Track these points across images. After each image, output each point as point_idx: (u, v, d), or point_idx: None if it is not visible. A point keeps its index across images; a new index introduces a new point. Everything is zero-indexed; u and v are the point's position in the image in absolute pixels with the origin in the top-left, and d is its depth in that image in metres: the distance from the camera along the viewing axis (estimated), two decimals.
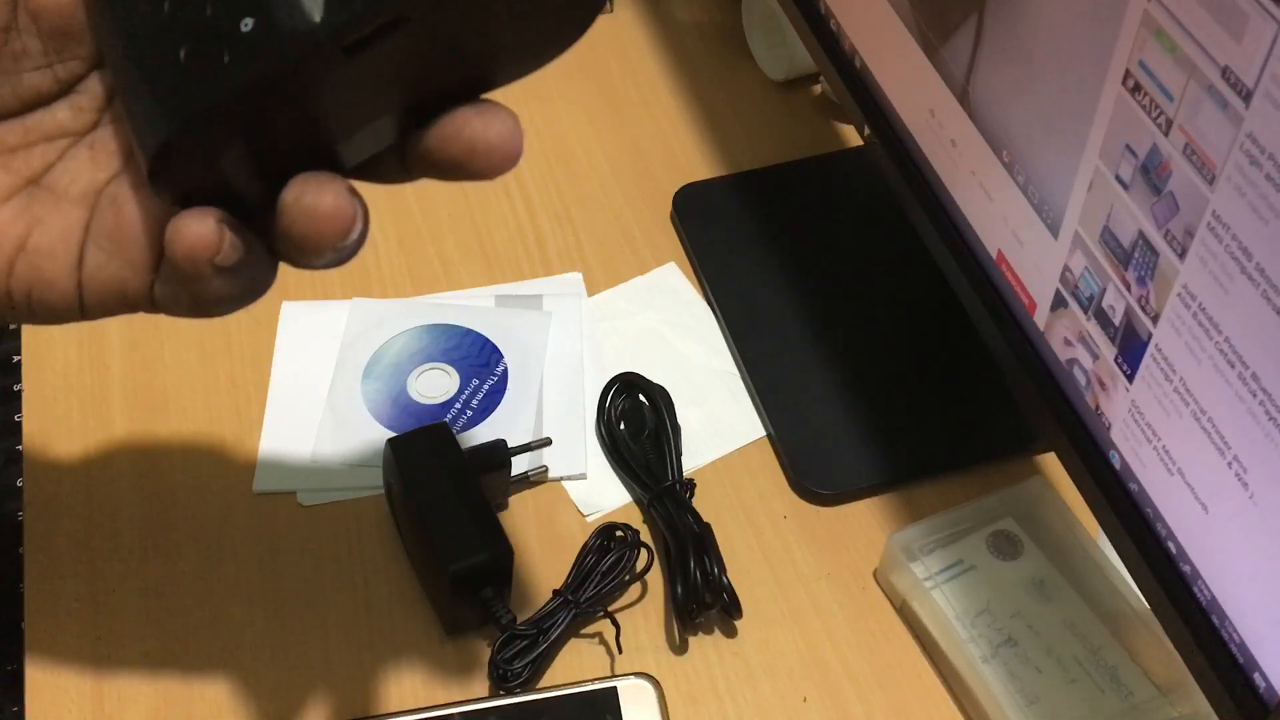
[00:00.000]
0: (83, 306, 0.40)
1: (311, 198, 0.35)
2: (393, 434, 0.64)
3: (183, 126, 0.35)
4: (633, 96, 0.87)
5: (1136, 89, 0.44)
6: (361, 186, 0.38)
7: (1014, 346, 0.57)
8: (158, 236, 0.39)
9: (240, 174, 0.36)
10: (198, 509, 0.66)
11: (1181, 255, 0.44)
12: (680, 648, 0.62)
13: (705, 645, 0.62)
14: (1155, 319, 0.46)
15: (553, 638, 0.60)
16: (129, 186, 0.40)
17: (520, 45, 0.36)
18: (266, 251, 0.38)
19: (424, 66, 0.35)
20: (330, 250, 0.36)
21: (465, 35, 0.35)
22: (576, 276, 0.76)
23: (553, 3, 0.35)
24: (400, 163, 0.39)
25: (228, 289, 0.37)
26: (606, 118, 0.86)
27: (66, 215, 0.40)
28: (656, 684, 0.59)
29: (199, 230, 0.36)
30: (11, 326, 0.73)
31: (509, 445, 0.66)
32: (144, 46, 0.35)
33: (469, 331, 0.73)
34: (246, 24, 0.33)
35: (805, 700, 0.61)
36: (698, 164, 0.83)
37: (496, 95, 0.38)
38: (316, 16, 0.33)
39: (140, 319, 0.73)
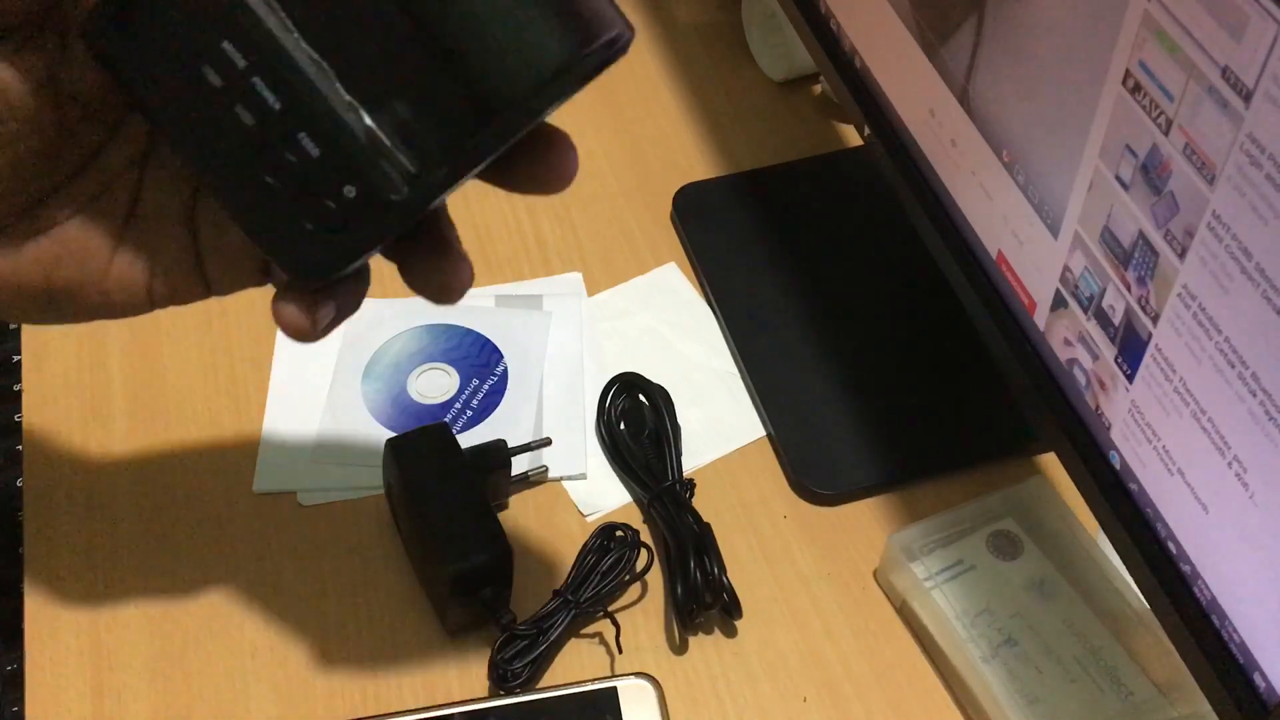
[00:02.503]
0: (210, 289, 0.46)
1: (450, 277, 0.44)
2: (393, 434, 0.64)
3: (323, 280, 0.41)
4: (633, 96, 0.87)
5: (1136, 89, 0.44)
6: None
7: (1014, 346, 0.57)
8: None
9: (364, 268, 0.44)
10: (198, 509, 0.66)
11: (1181, 255, 0.44)
12: (680, 648, 0.62)
13: (705, 645, 0.62)
14: (1155, 319, 0.46)
15: (553, 638, 0.60)
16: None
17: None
18: (361, 285, 0.45)
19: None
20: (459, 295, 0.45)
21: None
22: (576, 276, 0.76)
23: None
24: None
25: (326, 331, 0.44)
26: (606, 118, 0.86)
27: (175, 236, 0.45)
28: (656, 684, 0.59)
29: (290, 317, 0.42)
30: (11, 326, 0.73)
31: (509, 445, 0.66)
32: (251, 201, 0.40)
33: (469, 331, 0.73)
34: (349, 191, 0.38)
35: (805, 700, 0.61)
36: (698, 164, 0.83)
37: None
38: (408, 189, 0.38)
39: (140, 318, 0.72)
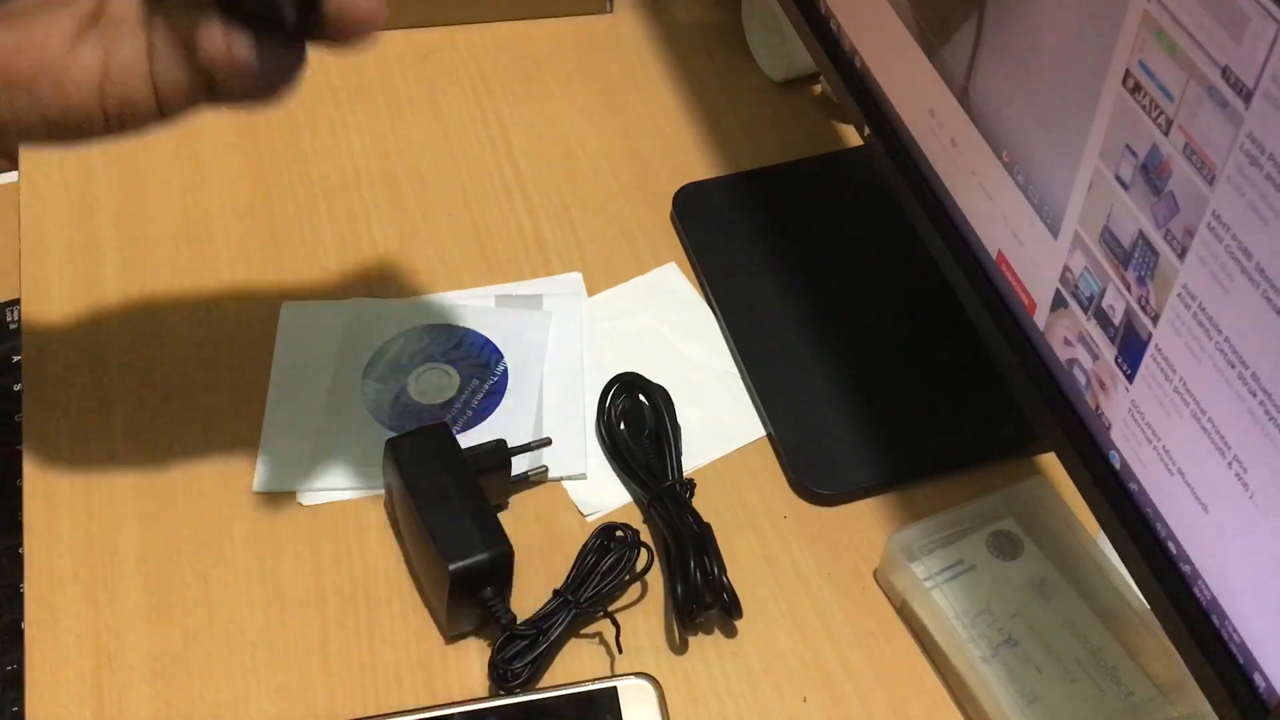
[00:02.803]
0: (161, 109, 0.48)
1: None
2: (393, 434, 0.64)
3: None
4: (633, 96, 0.87)
5: (1136, 89, 0.44)
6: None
7: (1014, 346, 0.57)
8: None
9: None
10: (198, 509, 0.66)
11: (1181, 255, 0.44)
12: (680, 648, 0.62)
13: (705, 645, 0.62)
14: (1155, 319, 0.46)
15: (553, 638, 0.60)
16: (179, 6, 0.47)
17: None
18: (289, 53, 0.48)
19: None
20: (366, 33, 0.47)
21: None
22: (576, 276, 0.76)
23: None
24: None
25: (245, 83, 0.47)
26: (606, 118, 0.86)
27: (131, 39, 0.47)
28: (656, 684, 0.59)
29: (212, 42, 0.46)
30: (12, 326, 0.73)
31: (509, 445, 0.66)
32: None
33: (469, 331, 0.73)
34: None
35: (805, 700, 0.61)
36: (698, 164, 0.83)
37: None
38: None
39: (140, 318, 0.73)
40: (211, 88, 0.48)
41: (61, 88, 0.47)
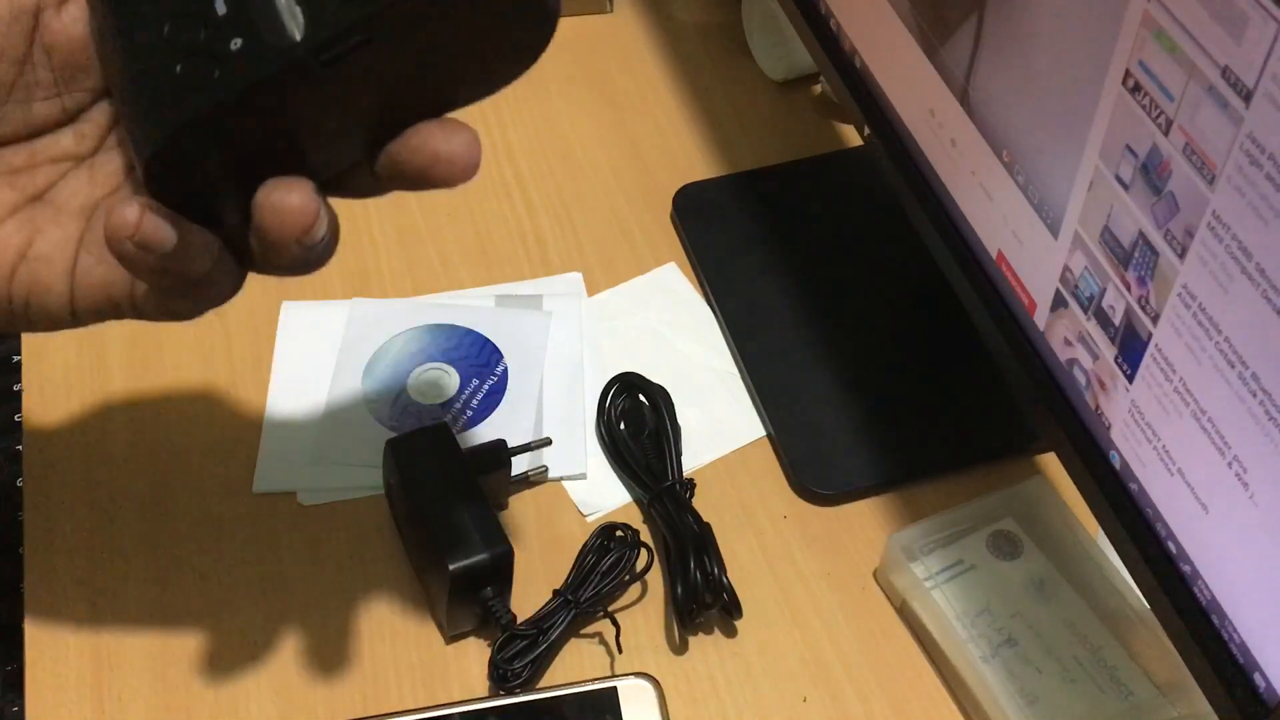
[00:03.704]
0: (74, 311, 0.44)
1: (280, 195, 0.39)
2: (393, 434, 0.64)
3: (176, 132, 0.38)
4: (633, 96, 0.87)
5: (1136, 89, 0.44)
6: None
7: (1014, 346, 0.57)
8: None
9: (225, 179, 0.40)
10: (198, 509, 0.66)
11: (1181, 255, 0.44)
12: (680, 648, 0.62)
13: (705, 645, 0.62)
14: (1155, 319, 0.46)
15: (553, 638, 0.60)
16: (119, 200, 0.42)
17: (478, 70, 0.41)
18: (221, 258, 0.42)
19: (390, 85, 0.39)
20: (295, 245, 0.40)
21: (428, 58, 0.39)
22: (576, 276, 0.76)
23: (509, 31, 0.40)
24: (371, 175, 0.42)
25: (160, 276, 0.40)
26: (606, 118, 0.86)
27: (65, 227, 0.43)
28: (656, 684, 0.59)
29: (123, 212, 0.39)
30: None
31: (509, 445, 0.66)
32: (143, 63, 0.39)
33: (469, 331, 0.73)
34: (236, 43, 0.38)
35: (805, 700, 0.61)
36: (698, 164, 0.83)
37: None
38: (297, 35, 0.37)
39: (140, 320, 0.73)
40: (130, 297, 0.43)
41: None
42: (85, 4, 0.41)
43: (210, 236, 0.41)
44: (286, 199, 0.39)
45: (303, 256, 0.40)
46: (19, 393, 0.70)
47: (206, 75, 0.38)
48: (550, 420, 0.69)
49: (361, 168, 0.42)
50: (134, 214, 0.39)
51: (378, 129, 0.41)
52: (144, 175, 0.39)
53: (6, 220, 0.43)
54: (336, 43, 0.37)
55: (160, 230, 0.39)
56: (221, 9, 0.38)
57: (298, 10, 0.37)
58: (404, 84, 0.40)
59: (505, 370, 0.71)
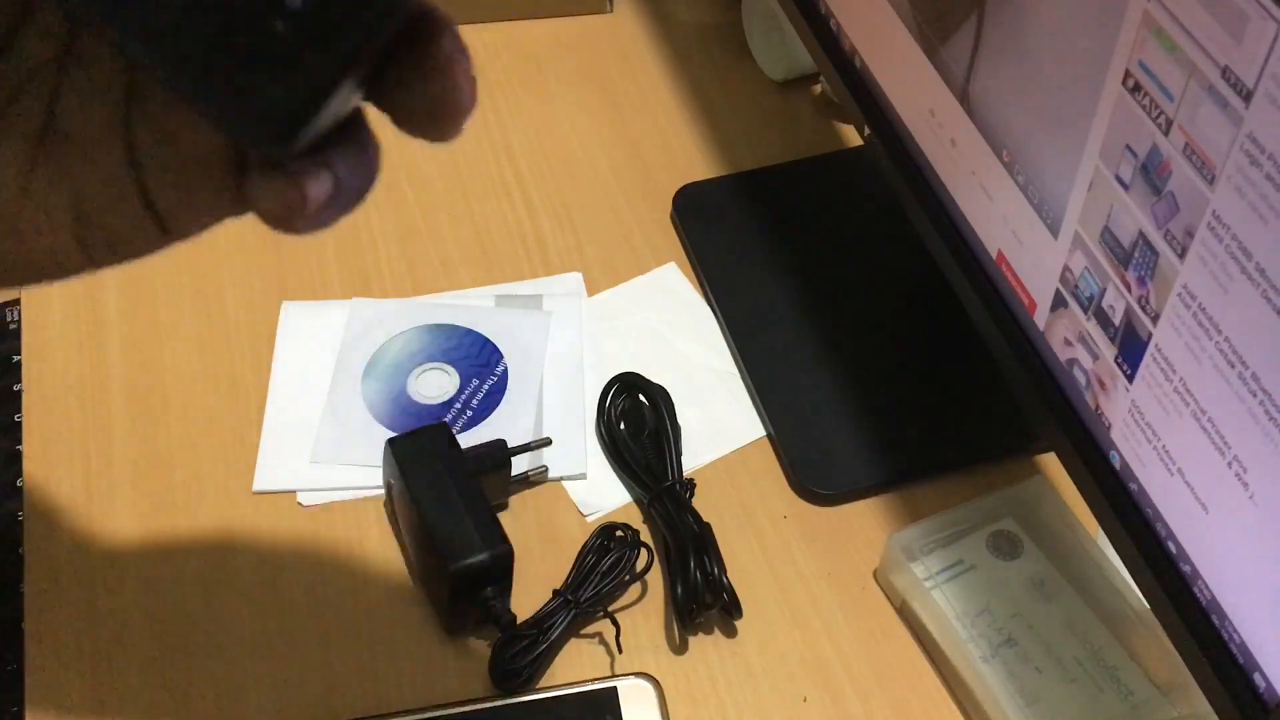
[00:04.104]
0: (168, 232, 0.36)
1: (444, 75, 0.33)
2: (393, 434, 0.64)
3: (305, 121, 0.32)
4: (633, 96, 0.87)
5: (1136, 89, 0.44)
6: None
7: (1014, 346, 0.57)
8: (230, 156, 0.35)
9: (348, 106, 0.34)
10: (198, 509, 0.66)
11: (1181, 255, 0.44)
12: (680, 648, 0.62)
13: (705, 645, 0.62)
14: (1155, 319, 0.46)
15: (553, 638, 0.60)
16: (173, 117, 0.34)
17: None
18: (365, 150, 0.35)
19: None
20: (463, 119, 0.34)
21: None
22: (576, 276, 0.76)
23: None
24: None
25: (328, 218, 0.34)
26: (606, 118, 0.86)
27: (103, 161, 0.34)
28: (656, 684, 0.59)
29: (284, 197, 0.33)
30: (11, 326, 0.73)
31: (509, 445, 0.66)
32: (201, 44, 0.31)
33: (469, 331, 0.73)
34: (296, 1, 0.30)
35: (805, 700, 0.61)
36: (698, 164, 0.83)
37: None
38: None
39: (140, 318, 0.73)
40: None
41: (21, 239, 0.35)
42: None
43: (355, 144, 0.34)
44: (429, 94, 0.33)
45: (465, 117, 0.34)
46: (19, 393, 0.70)
47: (290, 56, 0.31)
48: (550, 420, 0.69)
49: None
50: (295, 194, 0.32)
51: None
52: (280, 150, 0.32)
53: (31, 179, 0.34)
54: None
55: (323, 185, 0.33)
56: None
57: None
58: None
59: (505, 370, 0.71)
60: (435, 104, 0.33)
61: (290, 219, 0.33)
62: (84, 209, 0.35)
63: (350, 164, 0.33)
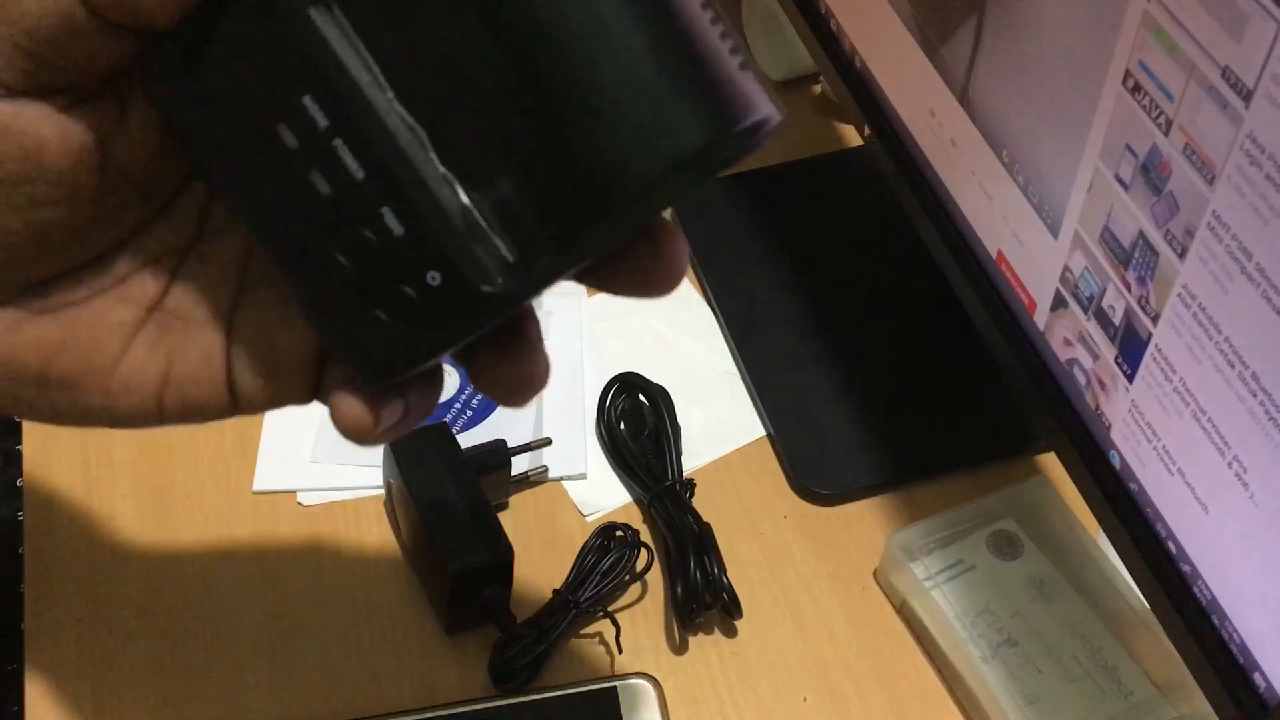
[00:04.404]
0: (238, 408, 0.40)
1: (506, 373, 0.37)
2: None
3: (394, 378, 0.35)
4: None
5: (1136, 89, 0.44)
6: None
7: (1014, 346, 0.57)
8: (317, 359, 0.38)
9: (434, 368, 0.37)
10: (198, 509, 0.66)
11: (1181, 255, 0.44)
12: (680, 648, 0.62)
13: (705, 645, 0.62)
14: (1155, 319, 0.46)
15: (553, 638, 0.60)
16: (267, 311, 0.38)
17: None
18: (435, 384, 0.38)
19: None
20: (526, 403, 0.38)
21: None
22: None
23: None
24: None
25: (395, 436, 0.38)
26: None
27: (202, 342, 0.38)
28: (656, 684, 0.59)
29: (353, 415, 0.36)
30: None
31: (509, 445, 0.66)
32: (322, 287, 0.34)
33: None
34: (433, 278, 0.32)
35: (805, 700, 0.61)
36: None
37: None
38: (502, 281, 0.32)
39: None
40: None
41: (110, 396, 0.38)
42: (151, 106, 0.35)
43: (430, 381, 0.38)
44: (520, 375, 0.37)
45: (529, 400, 0.38)
46: None
47: (411, 317, 0.33)
48: (550, 420, 0.69)
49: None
50: (366, 415, 0.36)
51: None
52: (374, 385, 0.36)
53: (133, 344, 0.38)
54: (545, 287, 0.32)
55: (394, 414, 0.36)
56: (397, 228, 0.32)
57: (497, 243, 0.31)
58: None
59: None
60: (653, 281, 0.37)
61: (359, 436, 0.36)
62: (172, 377, 0.38)
63: (421, 395, 0.37)
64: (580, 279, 0.35)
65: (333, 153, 0.32)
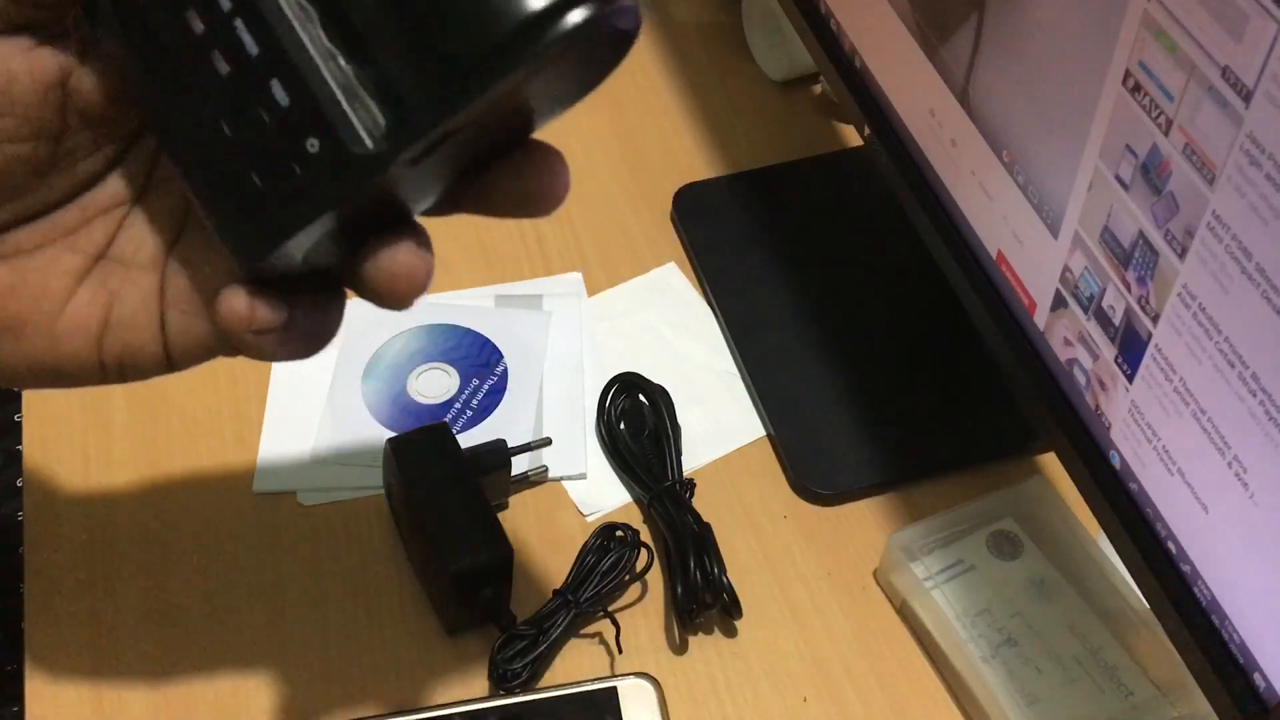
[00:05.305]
0: (172, 363, 0.42)
1: (388, 263, 0.38)
2: (393, 434, 0.64)
3: (266, 247, 0.37)
4: (633, 96, 0.87)
5: (1136, 89, 0.44)
6: None
7: (1014, 346, 0.57)
8: None
9: (321, 258, 0.39)
10: (198, 509, 0.66)
11: (1181, 255, 0.44)
12: (680, 648, 0.62)
13: (705, 645, 0.62)
14: (1155, 319, 0.46)
15: (553, 638, 0.60)
16: (198, 248, 0.41)
17: (560, 106, 0.39)
18: (328, 305, 0.41)
19: (476, 149, 0.38)
20: (408, 302, 0.39)
21: (517, 118, 0.38)
22: (576, 276, 0.76)
23: (591, 69, 0.38)
24: (454, 206, 0.41)
25: (279, 347, 0.39)
26: (606, 118, 0.86)
27: (140, 285, 0.41)
28: (656, 684, 0.59)
29: (232, 306, 0.38)
30: None
31: (509, 445, 0.66)
32: (211, 164, 0.37)
33: (469, 331, 0.73)
34: (312, 145, 0.35)
35: (805, 700, 0.61)
36: (698, 164, 0.83)
37: None
38: (371, 143, 0.35)
39: None
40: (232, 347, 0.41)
41: (55, 341, 0.40)
42: (110, 53, 0.38)
43: (321, 296, 0.40)
44: (393, 264, 0.38)
45: (411, 301, 0.39)
46: (19, 393, 0.70)
47: (287, 183, 0.36)
48: (550, 420, 0.69)
49: (450, 202, 0.41)
50: (244, 306, 0.38)
51: (463, 180, 0.39)
52: (244, 275, 0.38)
53: (77, 289, 0.40)
54: (425, 147, 0.35)
55: (274, 313, 0.38)
56: (283, 99, 0.35)
57: (373, 107, 0.35)
58: (489, 142, 0.38)
59: (505, 370, 0.71)
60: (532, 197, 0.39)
61: (235, 329, 0.38)
62: (112, 321, 0.41)
63: (307, 311, 0.39)
64: (465, 202, 0.39)
65: (232, 32, 0.35)
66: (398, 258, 0.38)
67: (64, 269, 0.40)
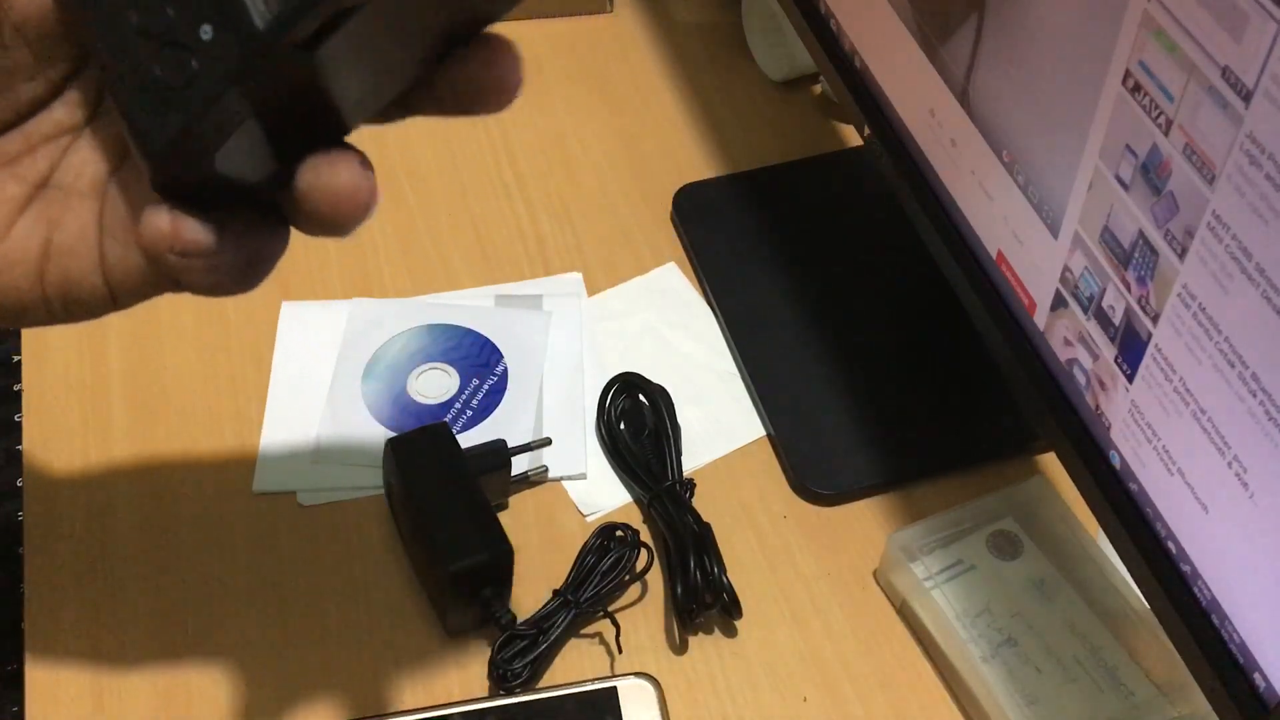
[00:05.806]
0: (115, 298, 0.41)
1: (326, 179, 0.36)
2: (393, 434, 0.64)
3: (169, 143, 0.36)
4: (633, 96, 0.87)
5: (1136, 89, 0.44)
6: None
7: (1014, 346, 0.57)
8: None
9: (242, 168, 0.37)
10: (198, 509, 0.66)
11: (1181, 255, 0.44)
12: (680, 648, 0.62)
13: (705, 645, 0.62)
14: (1155, 319, 0.46)
15: (553, 638, 0.60)
16: (133, 174, 0.40)
17: None
18: (263, 234, 0.39)
19: (396, 34, 0.36)
20: (350, 222, 0.37)
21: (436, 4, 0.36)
22: (576, 276, 0.76)
23: None
24: (406, 109, 0.39)
25: (207, 274, 0.38)
26: (606, 118, 0.86)
27: (80, 212, 0.40)
28: (656, 684, 0.59)
29: (154, 223, 0.37)
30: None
31: (509, 445, 0.66)
32: (122, 61, 0.36)
33: (469, 331, 0.73)
34: (205, 31, 0.34)
35: (805, 700, 0.61)
36: (698, 164, 0.83)
37: None
38: (261, 22, 0.33)
39: (139, 318, 0.73)
40: (172, 280, 0.39)
41: None
42: None
43: (252, 217, 0.38)
44: (334, 182, 0.36)
45: (355, 224, 0.37)
46: (19, 393, 0.70)
47: (184, 74, 0.35)
48: (550, 420, 0.69)
49: (398, 103, 0.39)
50: (165, 222, 0.36)
51: (403, 71, 0.37)
52: (153, 185, 0.37)
53: (19, 218, 0.40)
54: (307, 23, 0.33)
55: (198, 232, 0.36)
56: None
57: None
58: (411, 29, 0.36)
59: (505, 370, 0.71)
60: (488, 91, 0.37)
61: (157, 248, 0.36)
62: (52, 250, 0.40)
63: (238, 236, 0.37)
64: (416, 102, 0.38)
65: None
66: (339, 175, 0.36)
67: (6, 197, 0.39)
